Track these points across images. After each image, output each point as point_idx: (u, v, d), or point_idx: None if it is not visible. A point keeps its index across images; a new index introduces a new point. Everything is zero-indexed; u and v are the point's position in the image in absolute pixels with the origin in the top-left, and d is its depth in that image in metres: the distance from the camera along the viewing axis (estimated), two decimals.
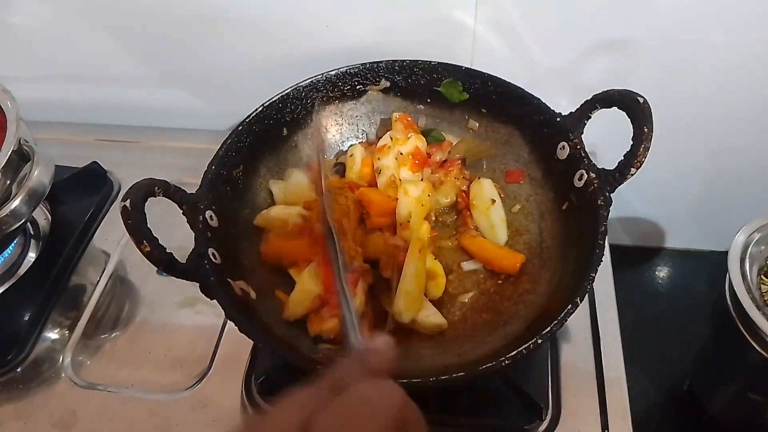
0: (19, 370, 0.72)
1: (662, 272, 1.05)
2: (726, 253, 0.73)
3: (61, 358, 0.73)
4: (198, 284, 0.56)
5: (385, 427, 0.32)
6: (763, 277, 0.73)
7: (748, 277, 0.70)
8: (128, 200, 0.52)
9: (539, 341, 0.50)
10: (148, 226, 0.53)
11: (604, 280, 0.75)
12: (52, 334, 0.75)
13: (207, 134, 0.82)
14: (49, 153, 0.78)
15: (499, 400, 0.64)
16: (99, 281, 0.80)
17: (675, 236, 1.05)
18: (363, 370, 0.37)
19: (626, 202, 0.98)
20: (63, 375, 0.71)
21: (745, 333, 0.69)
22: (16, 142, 0.70)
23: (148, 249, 0.52)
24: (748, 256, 0.71)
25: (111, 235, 0.85)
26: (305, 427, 0.32)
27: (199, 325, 0.74)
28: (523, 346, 0.49)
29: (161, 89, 0.92)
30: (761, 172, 0.89)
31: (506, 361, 0.49)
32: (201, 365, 0.71)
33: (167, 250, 0.53)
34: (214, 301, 0.55)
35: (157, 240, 0.53)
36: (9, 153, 0.69)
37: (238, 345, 0.72)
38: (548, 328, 0.50)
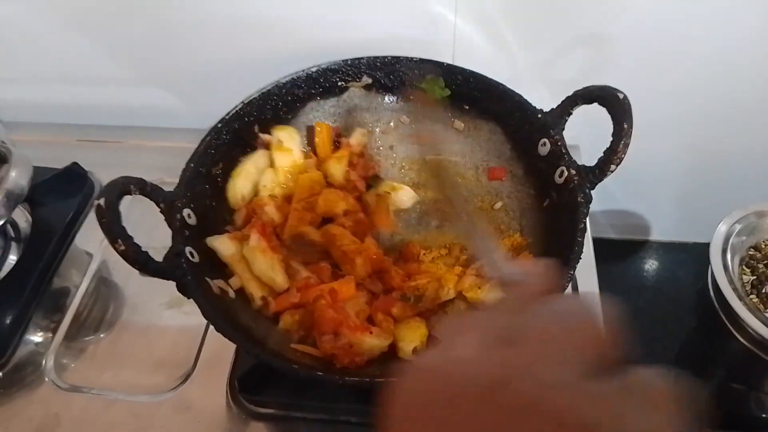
0: (0, 374, 0.71)
1: (647, 265, 1.05)
2: (709, 244, 0.73)
3: (43, 362, 0.72)
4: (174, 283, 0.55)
5: (592, 341, 0.28)
6: (744, 267, 0.74)
7: (730, 267, 0.70)
8: (102, 199, 0.51)
9: None
10: (124, 225, 0.52)
11: (587, 273, 0.75)
12: (35, 337, 0.75)
13: (188, 133, 0.81)
14: (27, 154, 0.77)
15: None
16: (81, 283, 0.79)
17: (659, 229, 1.05)
18: (533, 293, 0.33)
19: (610, 195, 0.99)
20: (46, 378, 0.70)
21: (727, 323, 0.69)
22: None
23: (122, 248, 0.51)
24: (729, 247, 0.72)
25: (93, 236, 0.84)
26: (505, 335, 0.29)
27: (183, 326, 0.74)
28: None
29: (141, 89, 0.92)
30: (742, 163, 0.89)
31: None
32: (185, 366, 0.70)
33: (143, 249, 0.53)
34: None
35: (132, 239, 0.52)
36: None
37: (222, 346, 0.72)
38: None
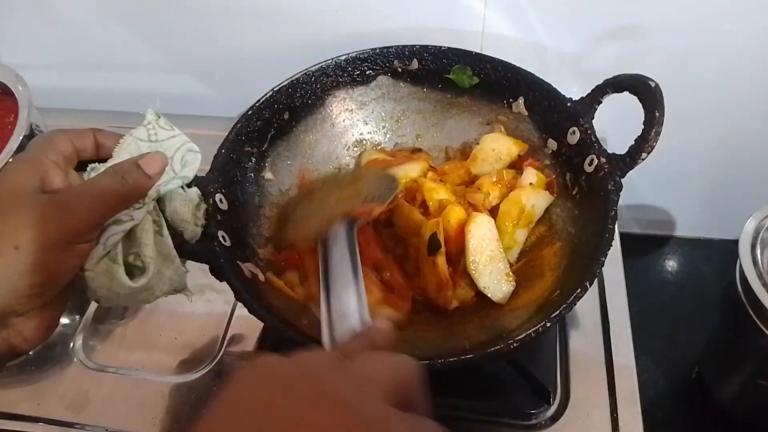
0: (31, 353, 0.73)
1: (671, 261, 1.04)
2: (735, 241, 0.72)
3: (72, 343, 0.74)
4: (208, 266, 0.56)
5: (391, 393, 0.33)
6: None
7: (759, 262, 0.69)
8: None
9: (548, 324, 0.50)
10: None
11: (613, 266, 0.75)
12: (63, 318, 0.76)
13: (217, 121, 0.82)
14: None
15: (506, 383, 0.65)
16: None
17: (684, 224, 1.04)
18: (368, 347, 0.39)
19: (635, 189, 0.98)
20: (75, 359, 0.72)
21: (755, 318, 0.68)
22: (28, 127, 0.71)
23: None
24: (759, 241, 0.71)
25: None
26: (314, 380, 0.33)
27: (209, 311, 0.75)
28: (532, 329, 0.49)
29: (171, 76, 0.93)
30: None
31: (515, 344, 0.49)
32: (211, 349, 0.72)
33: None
34: (223, 288, 0.55)
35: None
36: (21, 137, 0.70)
37: (248, 329, 0.73)
38: (557, 312, 0.50)
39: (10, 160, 0.70)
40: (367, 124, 0.76)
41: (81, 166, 0.50)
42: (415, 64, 0.73)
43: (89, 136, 0.50)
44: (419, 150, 0.75)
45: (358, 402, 0.30)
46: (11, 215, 0.42)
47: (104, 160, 0.51)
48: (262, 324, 0.56)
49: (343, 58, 0.72)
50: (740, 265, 0.70)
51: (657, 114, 0.55)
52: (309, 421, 0.29)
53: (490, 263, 0.61)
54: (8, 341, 0.44)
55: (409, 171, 0.69)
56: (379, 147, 0.76)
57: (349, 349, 0.40)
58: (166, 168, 0.51)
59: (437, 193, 0.66)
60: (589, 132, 0.62)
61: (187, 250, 0.55)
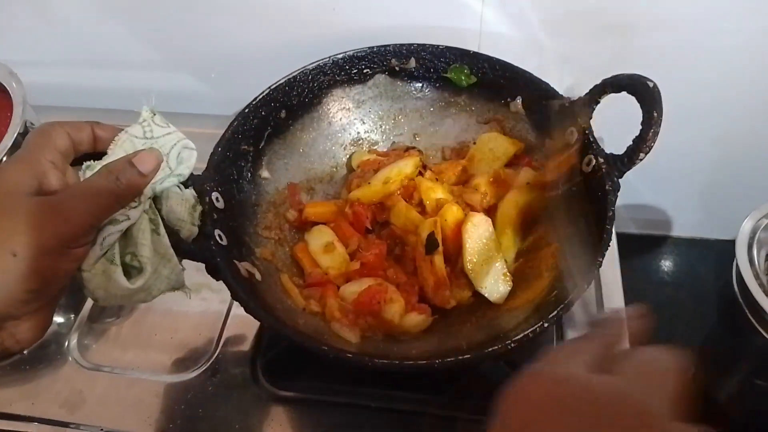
0: (25, 351, 0.72)
1: (668, 261, 1.04)
2: (732, 241, 0.73)
3: (66, 342, 0.73)
4: (204, 265, 0.56)
5: (679, 385, 0.33)
6: None
7: (756, 262, 0.70)
8: None
9: (546, 325, 0.50)
10: None
11: (610, 266, 0.75)
12: (57, 317, 0.76)
13: (213, 119, 0.82)
14: None
15: (502, 384, 0.64)
16: None
17: (681, 225, 1.04)
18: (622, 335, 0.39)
19: (632, 189, 0.98)
20: (69, 358, 0.72)
21: (751, 318, 0.69)
22: (22, 125, 0.71)
23: None
24: (756, 241, 0.71)
25: None
26: (600, 367, 0.35)
27: (204, 311, 0.75)
28: (529, 329, 0.49)
29: (168, 74, 0.92)
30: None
31: (512, 344, 0.49)
32: (207, 348, 0.71)
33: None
34: (219, 287, 0.55)
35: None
36: (15, 135, 0.70)
37: (244, 329, 0.73)
38: (555, 312, 0.50)
39: (5, 158, 0.69)
40: (364, 123, 0.76)
41: (78, 161, 0.50)
42: (412, 63, 0.73)
43: (87, 128, 0.50)
44: (412, 148, 0.74)
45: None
46: (6, 219, 0.42)
47: (101, 155, 0.51)
48: (258, 323, 0.55)
49: (340, 56, 0.72)
50: (737, 265, 0.70)
51: (655, 114, 0.55)
52: None
53: (487, 263, 0.61)
54: (1, 344, 0.43)
55: (402, 167, 0.69)
56: (375, 146, 0.76)
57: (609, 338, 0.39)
58: (161, 165, 0.50)
59: (434, 192, 0.66)
60: (587, 132, 0.62)
61: (183, 248, 0.55)
